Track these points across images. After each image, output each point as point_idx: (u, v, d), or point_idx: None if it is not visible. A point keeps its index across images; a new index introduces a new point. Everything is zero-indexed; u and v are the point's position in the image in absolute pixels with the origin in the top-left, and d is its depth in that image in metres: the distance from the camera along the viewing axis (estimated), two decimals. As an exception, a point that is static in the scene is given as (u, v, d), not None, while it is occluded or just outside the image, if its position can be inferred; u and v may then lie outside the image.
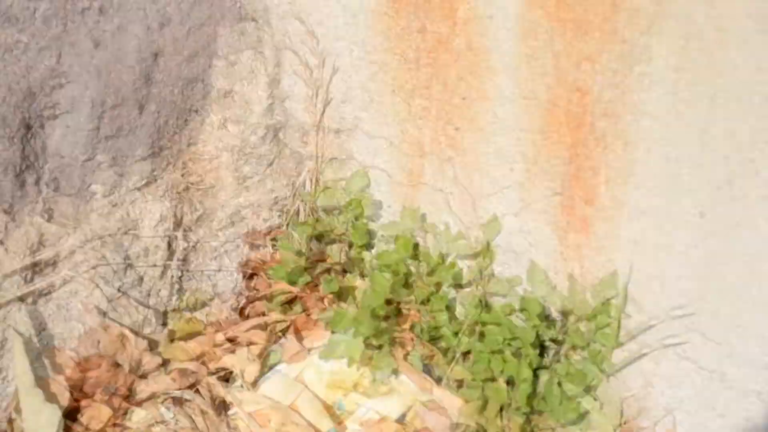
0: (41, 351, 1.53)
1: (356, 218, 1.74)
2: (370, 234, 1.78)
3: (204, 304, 1.72)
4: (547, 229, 1.52)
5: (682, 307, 1.44)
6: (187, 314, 1.73)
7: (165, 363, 1.67)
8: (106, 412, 1.56)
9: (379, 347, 1.59)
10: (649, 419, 1.50)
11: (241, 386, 1.61)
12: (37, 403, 1.52)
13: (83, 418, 1.57)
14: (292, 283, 1.76)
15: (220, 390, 1.58)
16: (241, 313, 1.77)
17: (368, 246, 1.79)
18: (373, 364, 1.58)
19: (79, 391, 1.58)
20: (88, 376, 1.58)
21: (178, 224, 1.68)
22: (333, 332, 1.63)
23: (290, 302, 1.76)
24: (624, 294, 1.47)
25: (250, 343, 1.68)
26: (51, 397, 1.55)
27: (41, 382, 1.55)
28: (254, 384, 1.62)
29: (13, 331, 1.51)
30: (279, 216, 1.82)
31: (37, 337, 1.54)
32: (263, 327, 1.71)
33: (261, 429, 1.54)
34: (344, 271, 1.78)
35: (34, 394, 1.52)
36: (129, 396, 1.58)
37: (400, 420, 1.53)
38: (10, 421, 1.52)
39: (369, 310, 1.58)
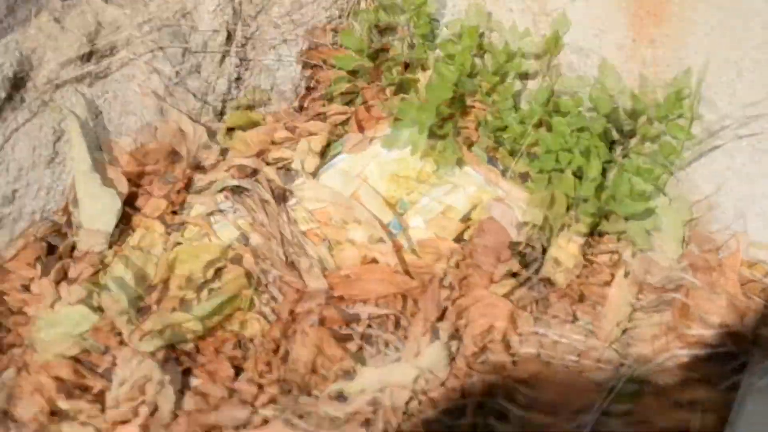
0: (98, 140, 1.52)
1: (419, 7, 1.68)
2: (433, 30, 1.73)
3: (262, 98, 1.69)
4: (620, 21, 1.46)
5: (760, 103, 1.38)
6: (245, 104, 1.70)
7: (223, 153, 1.66)
8: (163, 201, 1.55)
9: (443, 137, 1.56)
10: (720, 222, 1.47)
11: (301, 177, 1.58)
12: (95, 187, 1.53)
13: (140, 207, 1.57)
14: (353, 73, 1.72)
15: (279, 180, 1.56)
16: (301, 107, 1.74)
17: (431, 41, 1.73)
18: (437, 153, 1.55)
19: (136, 180, 1.58)
20: (145, 166, 1.57)
21: (236, 12, 1.64)
22: (396, 121, 1.59)
23: (351, 94, 1.72)
24: (697, 91, 1.42)
25: (309, 134, 1.65)
26: (109, 183, 1.55)
27: (99, 167, 1.53)
28: (314, 175, 1.59)
29: (70, 114, 1.50)
30: (339, 11, 1.77)
31: (93, 121, 1.52)
32: (323, 119, 1.69)
33: (321, 223, 1.53)
34: (406, 66, 1.74)
35: (92, 178, 1.53)
36: (187, 186, 1.57)
37: (465, 219, 1.51)
38: (67, 211, 1.51)
39: (434, 99, 1.55)
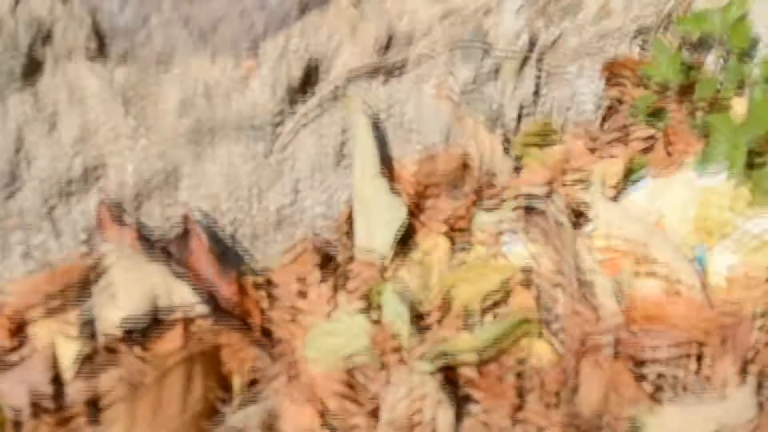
0: (386, 141, 1.52)
1: (738, 21, 1.60)
2: (753, 47, 1.65)
3: (560, 109, 1.65)
4: None
5: None
6: (542, 118, 1.67)
7: (516, 170, 1.65)
8: (450, 215, 1.53)
9: (761, 167, 1.47)
10: None
11: (599, 200, 1.52)
12: (381, 193, 1.54)
13: (426, 220, 1.55)
14: (661, 91, 1.65)
15: (575, 202, 1.51)
16: (602, 125, 1.69)
17: (750, 59, 1.65)
18: (753, 182, 1.46)
19: (423, 190, 1.58)
20: (434, 175, 1.56)
21: (540, 14, 1.60)
22: (708, 144, 1.51)
23: (657, 114, 1.66)
24: None
25: (610, 155, 1.61)
26: (396, 190, 1.55)
27: (385, 172, 1.54)
28: (614, 200, 1.54)
29: (362, 111, 1.51)
30: (650, 22, 1.71)
31: (384, 122, 1.52)
32: (625, 139, 1.64)
33: (619, 252, 1.47)
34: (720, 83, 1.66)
35: (379, 183, 1.53)
36: (476, 202, 1.54)
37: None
38: (349, 217, 1.52)
39: (757, 122, 1.46)
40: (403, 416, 1.28)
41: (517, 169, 1.64)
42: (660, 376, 1.37)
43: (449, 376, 1.35)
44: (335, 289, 1.46)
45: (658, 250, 1.46)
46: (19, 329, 1.33)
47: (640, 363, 1.35)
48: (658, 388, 1.34)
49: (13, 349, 1.29)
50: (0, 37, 1.38)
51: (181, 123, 1.46)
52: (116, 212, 1.43)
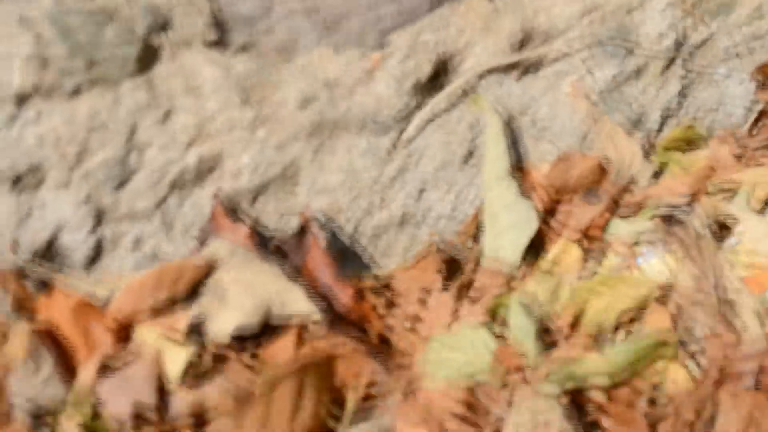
0: (518, 140, 1.45)
1: None
2: None
3: (707, 112, 1.56)
4: None
5: None
6: (687, 122, 1.57)
7: (656, 175, 1.56)
8: (584, 222, 1.45)
9: None
10: None
11: (745, 212, 1.42)
12: (511, 195, 1.47)
13: (556, 225, 1.48)
14: (820, 95, 1.55)
15: (721, 210, 1.42)
16: (751, 131, 1.59)
17: None
18: None
19: (554, 194, 1.51)
20: (568, 178, 1.48)
21: (689, 14, 1.51)
22: None
23: (813, 120, 1.55)
24: None
25: (758, 164, 1.50)
26: (526, 193, 1.49)
27: (516, 173, 1.47)
28: (761, 212, 1.44)
29: (494, 108, 1.44)
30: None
31: (517, 120, 1.45)
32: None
33: (764, 269, 1.37)
34: None
35: (508, 185, 1.46)
36: (612, 208, 1.45)
37: None
38: (476, 220, 1.45)
39: None
40: None
41: (657, 176, 1.55)
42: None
43: (576, 400, 1.26)
44: (458, 298, 1.39)
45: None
46: (124, 331, 1.28)
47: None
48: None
49: (117, 354, 1.24)
50: (116, 23, 1.33)
51: (301, 116, 1.40)
52: (230, 208, 1.37)
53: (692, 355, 1.34)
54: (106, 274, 1.37)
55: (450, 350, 1.31)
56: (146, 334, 1.25)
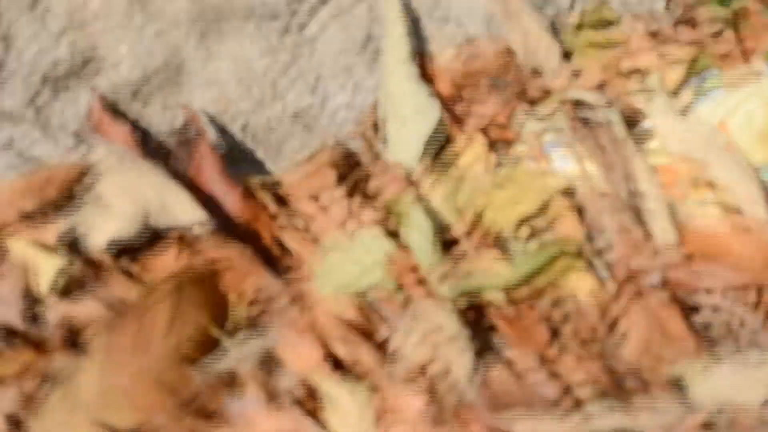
0: (417, 24, 1.37)
1: None
2: None
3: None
4: None
5: None
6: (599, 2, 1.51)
7: (566, 56, 1.49)
8: (489, 110, 1.39)
9: None
10: None
11: (657, 98, 1.37)
12: (411, 83, 1.42)
13: (461, 115, 1.44)
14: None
15: (633, 100, 1.38)
16: (667, 4, 1.53)
17: None
18: None
19: (459, 80, 1.45)
20: (472, 65, 1.43)
21: None
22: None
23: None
24: None
25: (675, 41, 1.45)
26: (428, 80, 1.42)
27: (417, 59, 1.40)
28: (683, 111, 1.39)
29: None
30: None
31: (419, 8, 1.37)
32: (693, 21, 1.50)
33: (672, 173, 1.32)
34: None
35: (409, 71, 1.40)
36: (520, 95, 1.39)
37: None
38: (374, 113, 1.40)
39: None
40: (414, 352, 1.16)
41: (568, 57, 1.49)
42: (715, 309, 1.22)
43: (473, 312, 1.21)
44: (353, 196, 1.33)
45: (724, 174, 1.30)
46: None
47: (692, 308, 1.21)
48: (711, 340, 1.19)
49: None
50: None
51: (184, 7, 1.30)
52: (110, 104, 1.29)
53: (599, 252, 1.29)
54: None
55: (342, 253, 1.26)
56: (16, 244, 1.18)
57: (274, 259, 1.29)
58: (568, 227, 1.30)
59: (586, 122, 1.40)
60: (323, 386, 1.11)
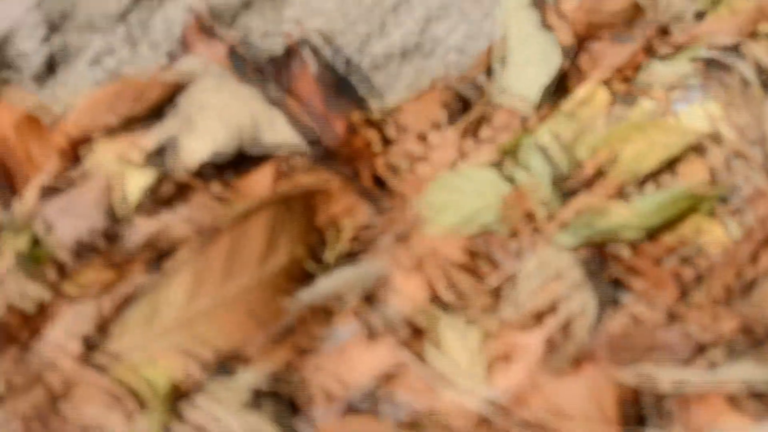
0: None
1: None
2: None
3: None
4: None
5: None
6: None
7: (698, 16, 1.39)
8: (614, 62, 1.29)
9: None
10: None
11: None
12: (532, 29, 1.34)
13: (582, 65, 1.33)
14: None
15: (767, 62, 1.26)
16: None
17: None
18: None
19: (582, 32, 1.36)
20: (596, 16, 1.32)
21: None
22: None
23: None
24: None
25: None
26: (549, 28, 1.34)
27: (540, 4, 1.32)
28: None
29: None
30: None
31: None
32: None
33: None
34: None
35: (529, 17, 1.33)
36: (646, 50, 1.30)
37: None
38: (490, 55, 1.29)
39: None
40: (532, 299, 1.04)
41: (701, 17, 1.37)
42: None
43: (596, 254, 1.09)
44: (466, 137, 1.22)
45: None
46: (76, 150, 1.12)
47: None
48: None
49: (66, 174, 1.08)
50: None
51: None
52: (207, 23, 1.20)
53: (732, 213, 1.17)
54: (61, 88, 1.21)
55: (454, 193, 1.16)
56: (101, 155, 1.09)
57: (374, 194, 1.18)
58: (698, 184, 1.17)
59: (718, 81, 1.28)
60: (431, 327, 0.99)
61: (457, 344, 0.99)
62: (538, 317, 1.04)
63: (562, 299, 1.05)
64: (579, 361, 1.00)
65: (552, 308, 1.04)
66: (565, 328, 1.04)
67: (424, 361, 0.98)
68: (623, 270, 1.11)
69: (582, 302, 1.05)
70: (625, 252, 1.13)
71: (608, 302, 1.08)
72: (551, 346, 1.01)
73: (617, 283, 1.11)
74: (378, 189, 1.20)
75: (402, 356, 0.98)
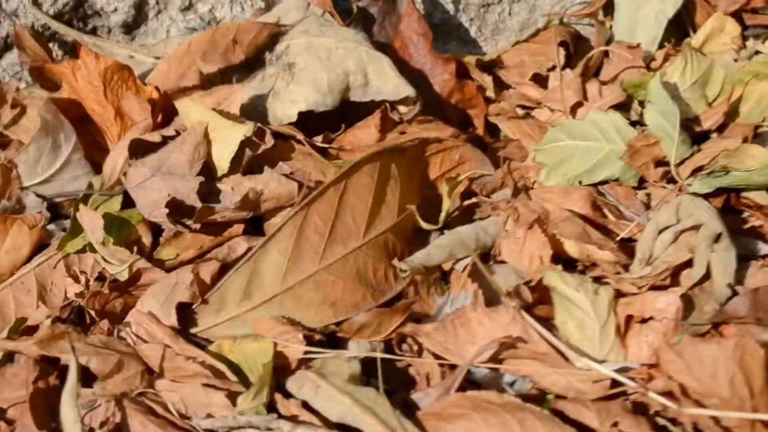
0: None
1: None
2: None
3: None
4: None
5: None
6: None
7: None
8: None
9: None
10: None
11: None
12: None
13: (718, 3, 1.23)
14: None
15: None
16: None
17: None
18: None
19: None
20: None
21: None
22: None
23: None
24: None
25: None
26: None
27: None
28: None
29: None
30: None
31: None
32: None
33: None
34: None
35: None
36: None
37: None
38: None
39: None
40: (665, 253, 0.91)
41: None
42: None
43: (731, 203, 0.95)
44: (586, 78, 1.09)
45: None
46: (167, 104, 1.01)
47: None
48: None
49: (157, 130, 0.97)
50: None
51: None
52: (307, -41, 1.09)
53: None
54: (151, 38, 1.10)
55: (576, 139, 1.03)
56: (194, 109, 0.98)
57: (488, 148, 1.06)
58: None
59: None
60: (555, 287, 0.87)
61: (586, 306, 0.87)
62: (673, 274, 0.91)
63: (699, 253, 0.91)
64: (719, 321, 0.87)
65: (687, 263, 0.91)
66: (703, 285, 0.90)
67: (550, 327, 0.86)
68: (762, 218, 0.97)
69: (721, 256, 0.92)
70: (762, 200, 0.98)
71: (747, 255, 0.94)
72: (688, 306, 0.87)
73: (755, 234, 0.97)
74: (492, 139, 1.08)
75: (526, 323, 0.86)
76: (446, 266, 0.96)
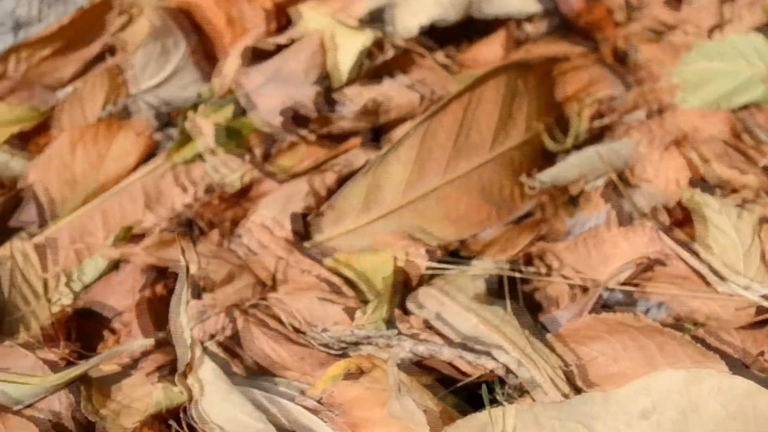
0: None
1: None
2: None
3: None
4: None
5: None
6: None
7: None
8: None
9: None
10: None
11: None
12: None
13: None
14: None
15: None
16: None
17: None
18: None
19: None
20: None
21: None
22: None
23: None
24: None
25: None
26: None
27: None
28: None
29: None
30: None
31: None
32: None
33: None
34: None
35: None
36: None
37: None
38: None
39: None
40: None
41: None
42: None
43: None
44: (728, 4, 1.02)
45: None
46: (282, 12, 0.94)
47: None
48: None
49: (272, 37, 0.90)
50: None
51: None
52: None
53: None
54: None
55: (715, 62, 0.97)
56: (311, 16, 0.91)
57: (619, 69, 0.98)
58: None
59: None
60: (696, 209, 0.79)
61: (728, 231, 0.79)
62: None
63: None
64: None
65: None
66: None
67: (689, 251, 0.78)
68: None
69: None
70: None
71: None
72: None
73: None
74: (619, 60, 1.00)
75: (664, 245, 0.77)
76: (574, 191, 0.89)
